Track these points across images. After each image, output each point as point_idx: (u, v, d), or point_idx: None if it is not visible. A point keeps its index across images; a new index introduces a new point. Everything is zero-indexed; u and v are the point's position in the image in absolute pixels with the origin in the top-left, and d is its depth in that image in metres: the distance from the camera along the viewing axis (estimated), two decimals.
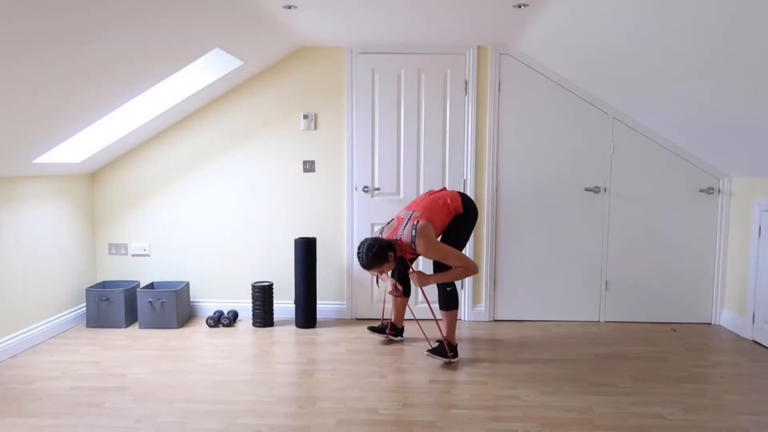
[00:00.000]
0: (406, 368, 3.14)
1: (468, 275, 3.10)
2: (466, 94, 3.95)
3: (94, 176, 4.12)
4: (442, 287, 3.20)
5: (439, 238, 3.24)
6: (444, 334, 3.25)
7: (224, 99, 4.02)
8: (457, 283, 4.03)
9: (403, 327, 3.63)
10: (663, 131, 3.85)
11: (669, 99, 3.26)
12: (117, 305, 3.85)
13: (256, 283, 3.97)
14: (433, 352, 3.19)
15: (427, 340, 3.24)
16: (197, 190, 4.10)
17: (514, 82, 3.94)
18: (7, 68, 2.23)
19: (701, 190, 3.97)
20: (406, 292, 3.52)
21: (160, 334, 3.73)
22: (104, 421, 2.48)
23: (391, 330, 3.60)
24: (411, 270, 3.21)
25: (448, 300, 3.20)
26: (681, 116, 3.41)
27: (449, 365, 3.17)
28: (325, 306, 4.14)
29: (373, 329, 3.62)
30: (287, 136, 4.04)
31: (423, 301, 4.06)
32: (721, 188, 3.96)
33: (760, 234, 3.61)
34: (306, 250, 3.85)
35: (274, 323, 4.00)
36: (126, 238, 4.15)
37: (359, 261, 3.08)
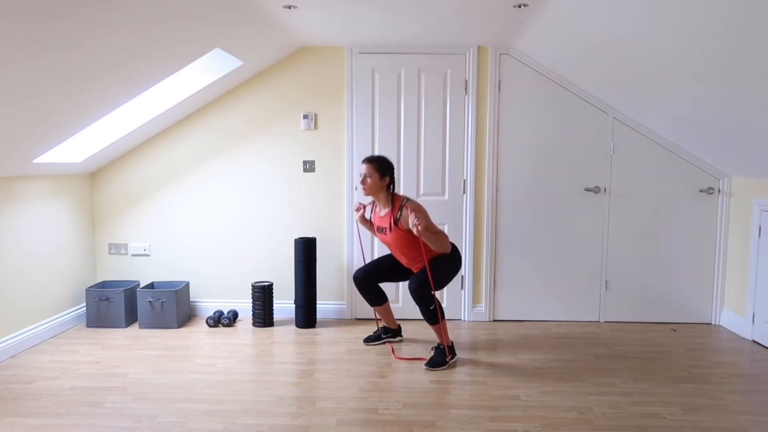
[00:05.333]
0: (406, 368, 3.14)
1: (444, 246, 3.08)
2: (466, 94, 3.95)
3: (94, 176, 4.12)
4: (424, 306, 3.10)
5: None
6: (438, 341, 3.23)
7: (224, 99, 4.02)
8: (457, 282, 4.06)
9: (399, 326, 3.62)
10: (663, 131, 3.85)
11: (669, 99, 3.26)
12: (117, 305, 3.85)
13: (256, 283, 3.97)
14: (432, 364, 3.14)
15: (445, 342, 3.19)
16: (197, 190, 4.10)
17: (514, 82, 3.94)
18: (8, 68, 2.23)
19: (701, 190, 3.97)
20: (382, 300, 3.46)
21: (159, 334, 3.73)
22: (104, 421, 2.48)
23: (387, 334, 3.58)
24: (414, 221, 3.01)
25: (433, 316, 3.13)
26: (681, 116, 3.41)
27: (449, 365, 3.18)
28: (325, 306, 4.14)
29: (368, 340, 3.56)
30: (287, 136, 4.04)
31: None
32: (721, 188, 3.96)
33: (760, 234, 3.61)
34: (306, 250, 3.85)
35: (274, 323, 4.00)
36: (126, 238, 4.15)
37: (366, 158, 3.20)
